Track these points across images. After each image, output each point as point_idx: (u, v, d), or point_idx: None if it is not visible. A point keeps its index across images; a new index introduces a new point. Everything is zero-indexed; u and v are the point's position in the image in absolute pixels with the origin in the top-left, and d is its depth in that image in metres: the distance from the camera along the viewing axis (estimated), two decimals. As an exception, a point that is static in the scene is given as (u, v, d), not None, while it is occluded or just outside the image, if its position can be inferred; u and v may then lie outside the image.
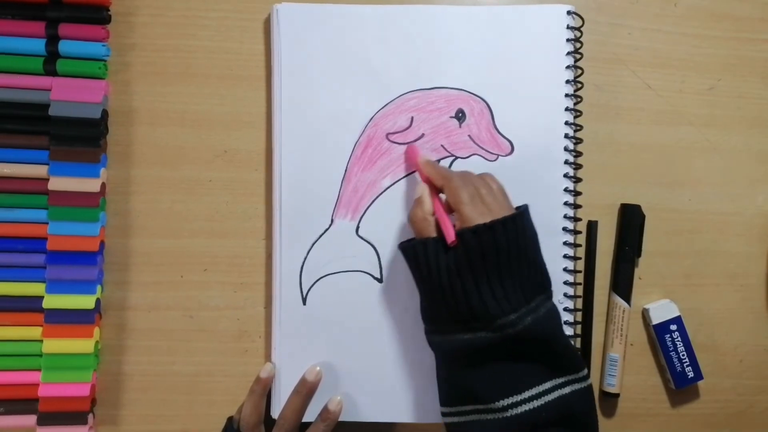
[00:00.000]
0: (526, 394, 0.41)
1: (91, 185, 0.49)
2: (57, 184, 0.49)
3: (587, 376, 0.44)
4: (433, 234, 0.44)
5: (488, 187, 0.45)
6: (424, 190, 0.47)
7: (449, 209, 0.45)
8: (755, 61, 0.55)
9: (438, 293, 0.43)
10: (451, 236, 0.42)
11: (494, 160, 0.51)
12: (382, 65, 0.51)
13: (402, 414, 0.51)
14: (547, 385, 0.42)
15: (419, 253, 0.44)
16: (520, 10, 0.52)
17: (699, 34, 0.55)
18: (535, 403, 0.41)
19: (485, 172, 0.47)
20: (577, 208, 0.52)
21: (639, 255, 0.53)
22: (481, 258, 0.41)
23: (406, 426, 0.52)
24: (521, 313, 0.41)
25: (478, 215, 0.42)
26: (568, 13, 0.52)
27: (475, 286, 0.41)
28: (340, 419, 0.49)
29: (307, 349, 0.50)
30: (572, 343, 0.45)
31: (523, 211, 0.44)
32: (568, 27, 0.52)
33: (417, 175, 0.50)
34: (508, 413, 0.41)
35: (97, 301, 0.50)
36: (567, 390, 0.42)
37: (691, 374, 0.53)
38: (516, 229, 0.42)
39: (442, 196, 0.46)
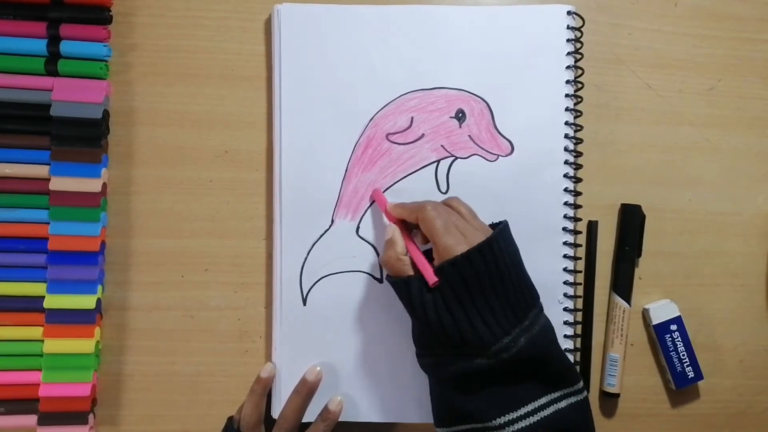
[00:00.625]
0: (522, 411, 0.41)
1: (92, 185, 0.49)
2: (58, 184, 0.49)
3: (583, 389, 0.44)
4: (410, 272, 0.44)
5: (458, 214, 0.45)
6: (394, 231, 0.46)
7: (426, 242, 0.45)
8: (755, 61, 0.55)
9: (428, 328, 0.43)
10: (432, 278, 0.42)
11: (494, 160, 0.51)
12: (383, 65, 0.52)
13: (402, 414, 0.51)
14: (543, 400, 0.42)
15: (402, 292, 0.44)
16: (520, 11, 0.52)
17: (699, 34, 0.55)
18: (532, 419, 0.41)
19: (451, 197, 0.48)
20: (578, 208, 0.52)
21: (639, 255, 0.53)
22: (465, 288, 0.41)
23: (407, 426, 0.52)
24: (515, 335, 0.41)
25: (454, 243, 0.42)
26: (569, 13, 0.52)
27: (465, 317, 0.41)
28: (341, 419, 0.49)
29: (307, 349, 0.50)
30: (567, 356, 0.45)
31: (499, 231, 0.44)
32: (568, 27, 0.52)
33: (384, 217, 0.50)
34: (506, 430, 0.41)
35: (98, 301, 0.50)
36: (563, 404, 0.42)
37: (691, 374, 0.53)
38: (493, 253, 0.42)
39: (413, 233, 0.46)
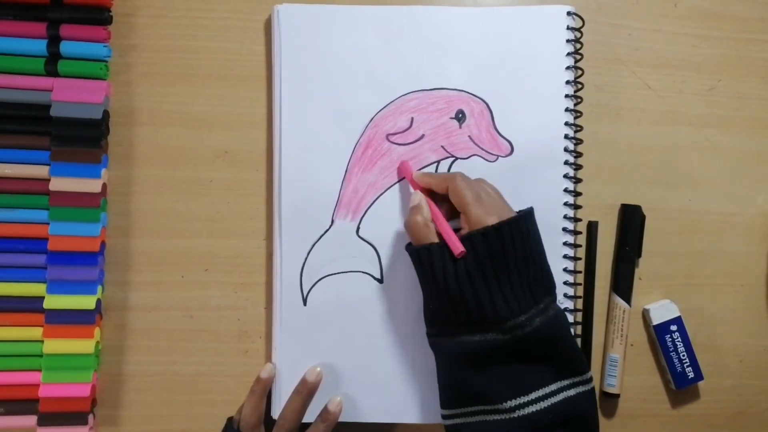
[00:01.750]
0: (533, 395, 0.41)
1: (92, 186, 0.49)
2: (58, 184, 0.49)
3: (591, 379, 0.44)
4: (435, 240, 0.44)
5: (486, 190, 0.45)
6: (421, 197, 0.47)
7: (449, 216, 0.45)
8: (755, 61, 0.55)
9: (447, 298, 0.43)
10: (458, 248, 0.42)
11: (494, 161, 0.51)
12: (383, 66, 0.52)
13: (402, 414, 0.51)
14: (554, 386, 0.42)
15: (424, 258, 0.44)
16: (520, 11, 0.52)
17: (699, 34, 0.55)
18: (542, 405, 0.41)
19: (479, 177, 0.48)
20: (578, 208, 0.52)
21: (639, 255, 0.53)
22: (491, 261, 0.42)
23: (407, 426, 0.52)
24: (530, 315, 0.42)
25: (484, 214, 0.42)
26: (569, 13, 0.52)
27: (486, 290, 0.41)
28: (341, 419, 0.49)
29: (307, 350, 0.50)
30: (578, 346, 0.45)
31: (528, 213, 0.45)
32: (568, 27, 0.52)
33: (408, 185, 0.50)
34: (516, 414, 0.41)
35: (98, 301, 0.50)
36: (572, 392, 0.43)
37: (691, 374, 0.53)
38: (521, 230, 0.43)
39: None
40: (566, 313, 0.51)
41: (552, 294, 0.45)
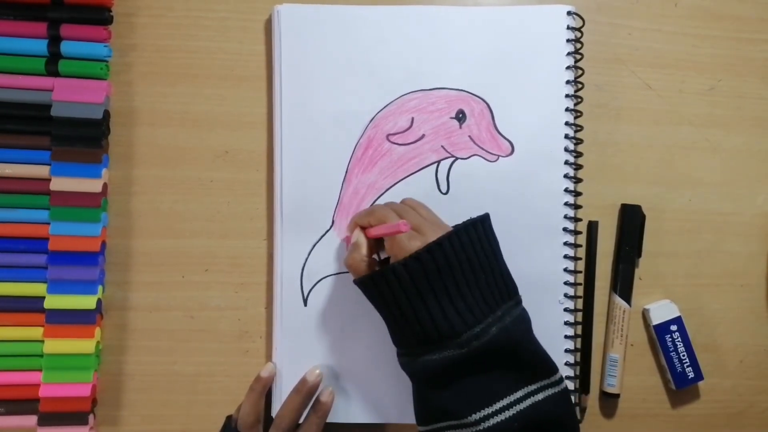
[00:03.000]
0: (498, 405, 0.41)
1: (93, 186, 0.49)
2: (59, 184, 0.49)
3: (561, 380, 0.44)
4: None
5: (410, 213, 0.45)
6: (359, 234, 0.46)
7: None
8: (755, 61, 0.55)
9: (403, 320, 0.42)
10: (401, 227, 0.41)
11: (494, 161, 0.51)
12: (383, 66, 0.52)
13: (402, 415, 0.51)
14: (519, 393, 0.42)
15: (371, 289, 0.44)
16: (520, 11, 0.52)
17: (699, 34, 0.55)
18: (508, 414, 0.41)
19: (406, 198, 0.48)
20: (578, 208, 0.52)
21: (639, 255, 0.53)
22: (438, 276, 0.41)
23: (407, 427, 0.52)
24: (486, 324, 0.41)
25: (405, 241, 0.42)
26: (569, 13, 0.52)
27: (438, 305, 0.41)
28: (341, 420, 0.49)
29: (307, 350, 0.50)
30: (543, 348, 0.44)
31: (475, 222, 0.44)
32: (568, 27, 0.52)
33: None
34: (481, 426, 0.40)
35: (99, 301, 0.50)
36: (540, 396, 0.42)
37: (691, 374, 0.53)
38: (463, 242, 0.42)
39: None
40: (566, 313, 0.51)
41: (513, 297, 0.44)
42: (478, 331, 0.41)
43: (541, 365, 0.43)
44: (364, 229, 0.46)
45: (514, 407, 0.41)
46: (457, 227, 0.44)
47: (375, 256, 0.47)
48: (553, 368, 0.44)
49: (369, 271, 0.44)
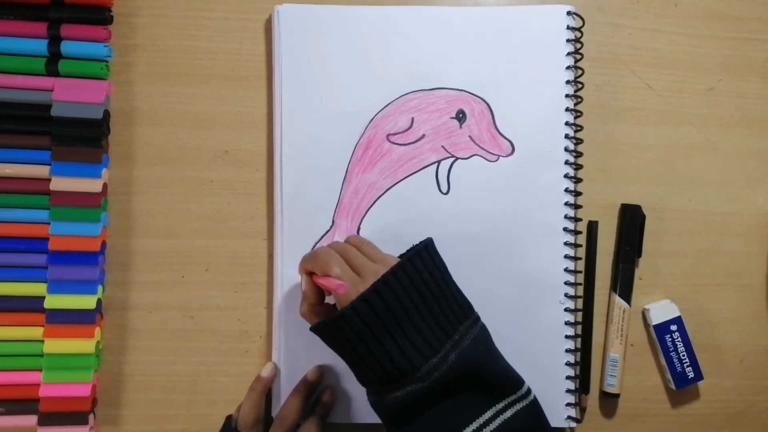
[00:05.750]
0: (468, 430, 0.41)
1: (93, 185, 0.49)
2: (59, 184, 0.49)
3: (528, 392, 0.43)
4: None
5: (352, 252, 0.44)
6: (306, 282, 0.45)
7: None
8: (755, 61, 0.55)
9: (360, 361, 0.42)
10: (340, 286, 0.41)
11: (495, 161, 0.52)
12: (383, 66, 0.52)
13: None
14: (488, 414, 0.41)
15: (326, 336, 0.43)
16: (520, 11, 0.52)
17: (699, 34, 0.55)
18: None
19: (349, 236, 0.48)
20: (578, 208, 0.52)
21: (639, 255, 0.53)
22: (388, 311, 0.40)
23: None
24: (444, 352, 0.41)
25: (350, 286, 0.41)
26: (569, 13, 0.52)
27: (393, 342, 0.40)
28: (342, 420, 0.49)
29: (308, 350, 0.50)
30: (506, 362, 0.44)
31: (419, 250, 0.43)
32: (568, 27, 0.52)
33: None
34: None
35: (99, 301, 0.50)
36: (509, 413, 0.42)
37: (691, 374, 0.53)
38: (411, 272, 0.42)
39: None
40: (566, 312, 0.51)
41: (470, 317, 0.44)
42: (437, 361, 0.40)
43: (505, 382, 0.43)
44: (311, 274, 0.45)
45: (484, 429, 0.41)
46: (400, 260, 0.42)
47: (327, 300, 0.46)
48: (518, 382, 0.43)
49: (321, 318, 0.43)
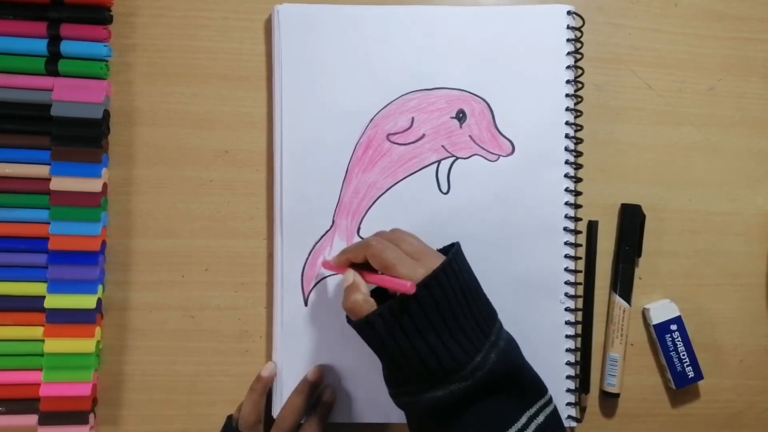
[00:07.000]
0: None
1: (93, 185, 0.49)
2: (59, 184, 0.49)
3: (551, 397, 0.44)
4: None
5: (407, 240, 0.44)
6: (354, 275, 0.44)
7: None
8: (755, 61, 0.55)
9: (403, 360, 0.41)
10: (407, 287, 0.40)
11: (495, 161, 0.52)
12: (383, 66, 0.52)
13: (403, 415, 0.50)
14: (524, 419, 0.41)
15: (368, 333, 0.42)
16: (520, 10, 0.52)
17: (699, 34, 0.55)
18: None
19: (394, 228, 0.47)
20: (578, 208, 0.52)
21: (639, 255, 0.53)
22: (437, 310, 0.40)
23: (407, 427, 0.52)
24: (485, 351, 0.41)
25: (411, 270, 0.41)
26: (569, 13, 0.52)
27: (439, 340, 0.40)
28: (343, 420, 0.49)
29: (308, 350, 0.50)
30: (532, 367, 0.44)
31: (455, 251, 0.43)
32: (568, 27, 0.52)
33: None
34: None
35: (99, 300, 0.50)
36: (541, 418, 0.42)
37: (691, 374, 0.53)
38: (455, 271, 0.42)
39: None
40: (566, 312, 0.51)
41: (496, 321, 0.44)
42: (480, 360, 0.40)
43: (536, 386, 0.43)
44: (355, 265, 0.44)
45: None
46: (448, 257, 0.42)
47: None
48: (544, 387, 0.43)
49: (373, 308, 0.42)
